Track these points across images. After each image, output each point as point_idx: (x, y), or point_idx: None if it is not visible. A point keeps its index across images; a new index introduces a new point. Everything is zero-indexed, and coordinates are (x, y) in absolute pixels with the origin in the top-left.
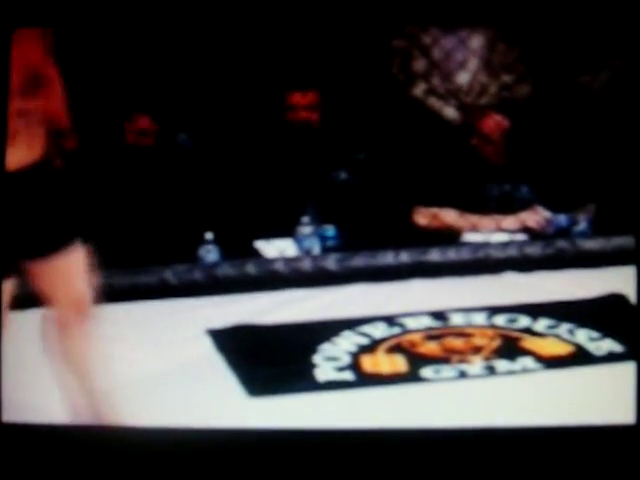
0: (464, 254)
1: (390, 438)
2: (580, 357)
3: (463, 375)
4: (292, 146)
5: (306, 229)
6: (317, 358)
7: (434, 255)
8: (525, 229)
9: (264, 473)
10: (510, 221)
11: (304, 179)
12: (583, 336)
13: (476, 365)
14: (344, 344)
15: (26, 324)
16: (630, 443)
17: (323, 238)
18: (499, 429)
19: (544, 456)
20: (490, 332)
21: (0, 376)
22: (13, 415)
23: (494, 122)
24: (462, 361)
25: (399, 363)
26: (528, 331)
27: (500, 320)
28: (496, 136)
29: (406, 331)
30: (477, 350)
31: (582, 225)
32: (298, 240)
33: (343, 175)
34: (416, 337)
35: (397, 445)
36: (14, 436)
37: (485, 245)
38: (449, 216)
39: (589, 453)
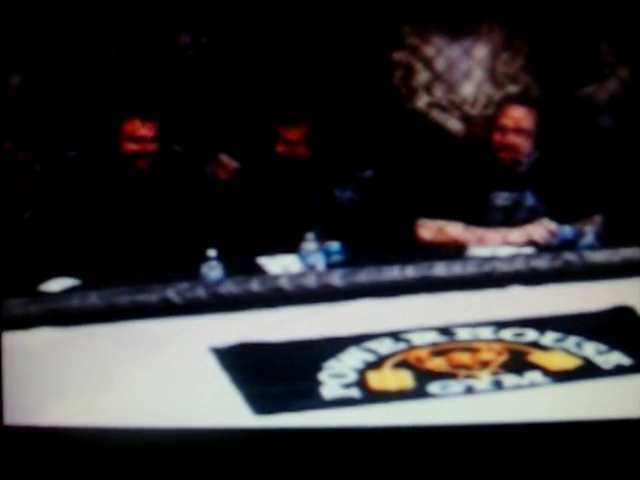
0: (470, 268)
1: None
2: (588, 370)
3: (470, 390)
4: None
5: (310, 245)
6: (323, 375)
7: (440, 269)
8: (531, 242)
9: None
10: (516, 234)
11: (307, 197)
12: (591, 349)
13: (483, 380)
14: (350, 361)
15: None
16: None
17: (328, 254)
18: (505, 425)
19: (552, 450)
20: (497, 346)
21: (1, 379)
22: (15, 417)
23: (522, 110)
24: (469, 376)
25: (405, 379)
26: (535, 345)
27: (507, 334)
28: (528, 125)
29: (412, 347)
30: (484, 365)
31: (589, 237)
32: (302, 256)
33: (348, 193)
34: (422, 352)
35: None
36: (16, 438)
37: (491, 259)
38: (455, 230)
39: (594, 447)
